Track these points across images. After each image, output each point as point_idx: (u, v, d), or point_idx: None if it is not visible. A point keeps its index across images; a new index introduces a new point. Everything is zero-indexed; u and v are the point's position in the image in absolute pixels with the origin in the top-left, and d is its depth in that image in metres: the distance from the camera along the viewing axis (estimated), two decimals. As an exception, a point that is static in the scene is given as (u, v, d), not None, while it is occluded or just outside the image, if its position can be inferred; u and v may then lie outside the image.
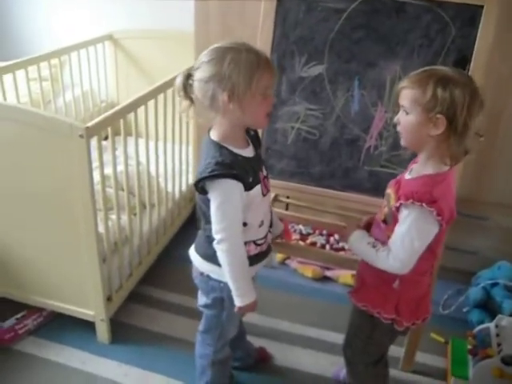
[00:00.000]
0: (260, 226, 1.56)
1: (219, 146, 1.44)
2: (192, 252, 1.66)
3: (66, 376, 2.01)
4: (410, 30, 1.82)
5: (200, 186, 1.43)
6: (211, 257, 1.54)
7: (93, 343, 2.15)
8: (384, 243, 1.47)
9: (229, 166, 1.40)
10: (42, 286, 2.12)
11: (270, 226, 1.65)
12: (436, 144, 1.37)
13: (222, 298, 1.61)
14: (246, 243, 1.51)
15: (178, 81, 1.43)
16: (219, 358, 1.77)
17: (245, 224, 1.49)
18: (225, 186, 1.41)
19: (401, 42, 1.84)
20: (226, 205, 1.42)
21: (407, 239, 1.39)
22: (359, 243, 1.54)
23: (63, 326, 2.21)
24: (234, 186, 1.41)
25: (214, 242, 1.47)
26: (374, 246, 1.49)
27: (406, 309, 1.54)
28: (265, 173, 1.56)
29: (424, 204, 1.34)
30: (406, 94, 1.38)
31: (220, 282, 1.57)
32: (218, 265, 1.51)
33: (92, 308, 2.09)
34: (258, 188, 1.49)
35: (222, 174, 1.39)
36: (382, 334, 1.62)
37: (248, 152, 1.50)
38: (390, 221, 1.46)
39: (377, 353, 1.71)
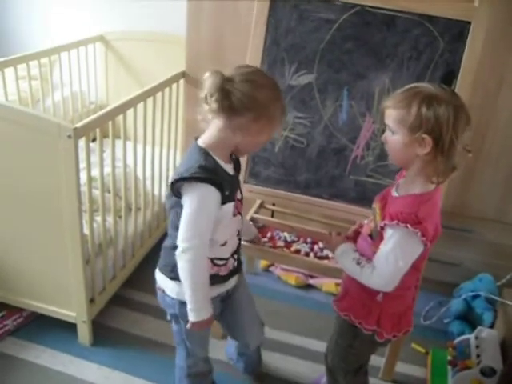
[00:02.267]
0: (222, 245, 1.52)
1: (205, 153, 1.41)
2: (157, 268, 1.63)
3: (46, 378, 1.99)
4: (400, 43, 1.85)
5: (176, 188, 1.40)
6: (165, 268, 1.53)
7: (74, 345, 2.13)
8: (369, 258, 1.48)
9: (211, 172, 1.38)
10: (23, 286, 2.10)
11: (236, 252, 1.61)
12: (423, 163, 1.38)
13: (177, 315, 1.57)
14: None
15: (214, 82, 1.34)
16: (194, 372, 1.76)
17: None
18: (203, 191, 1.37)
19: (390, 54, 1.86)
20: (200, 210, 1.38)
21: (391, 258, 1.39)
22: (344, 258, 1.55)
23: (44, 327, 2.19)
24: (212, 194, 1.38)
25: (178, 251, 1.41)
26: (358, 263, 1.49)
27: (387, 321, 1.55)
28: (239, 196, 1.55)
29: (409, 225, 1.34)
30: (391, 113, 1.38)
31: (172, 298, 1.55)
32: (172, 279, 1.50)
33: (74, 309, 2.08)
34: (230, 206, 1.46)
35: (203, 177, 1.36)
36: (363, 343, 1.63)
37: (229, 168, 1.48)
38: (376, 237, 1.48)
39: (357, 362, 1.72)
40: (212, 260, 1.51)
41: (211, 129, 1.44)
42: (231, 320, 1.77)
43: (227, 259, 1.56)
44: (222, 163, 1.44)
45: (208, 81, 1.36)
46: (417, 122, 1.32)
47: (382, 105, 1.44)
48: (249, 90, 1.35)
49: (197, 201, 1.37)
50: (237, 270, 1.65)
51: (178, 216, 1.42)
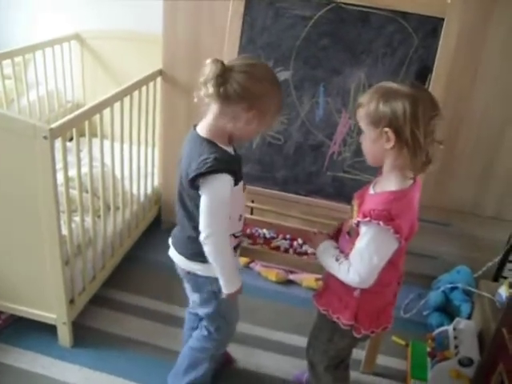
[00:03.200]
0: (239, 219, 1.65)
1: (212, 143, 1.49)
2: (173, 253, 1.70)
3: (26, 381, 1.97)
4: (375, 39, 1.86)
5: (195, 183, 1.47)
6: (196, 256, 1.60)
7: (54, 347, 2.11)
8: (347, 255, 1.49)
9: (226, 162, 1.48)
10: (0, 288, 2.07)
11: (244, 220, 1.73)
12: (394, 157, 1.40)
13: (213, 291, 1.67)
14: None
15: (213, 70, 1.42)
16: (218, 353, 1.87)
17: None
18: (221, 181, 1.46)
19: (365, 50, 1.87)
20: (218, 200, 1.48)
21: (366, 255, 1.41)
22: (324, 255, 1.57)
23: (23, 330, 2.17)
24: (228, 182, 1.48)
25: (202, 237, 1.51)
26: (337, 260, 1.51)
27: (365, 317, 1.57)
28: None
29: (381, 222, 1.36)
30: (359, 113, 1.45)
31: (207, 277, 1.64)
32: (202, 262, 1.58)
33: (54, 311, 2.06)
34: (240, 183, 1.58)
35: (221, 168, 1.45)
36: (342, 338, 1.65)
37: (231, 150, 1.58)
38: (353, 234, 1.50)
39: (337, 356, 1.73)
40: (233, 234, 1.64)
41: (208, 116, 1.52)
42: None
43: (242, 229, 1.71)
44: (227, 149, 1.53)
45: (208, 67, 1.43)
46: (376, 117, 1.38)
47: (355, 106, 1.49)
48: (244, 80, 1.43)
49: (215, 192, 1.47)
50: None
51: (195, 207, 1.53)
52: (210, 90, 1.43)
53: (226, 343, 1.92)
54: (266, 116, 1.51)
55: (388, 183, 1.44)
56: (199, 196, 1.50)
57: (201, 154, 1.47)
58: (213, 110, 1.50)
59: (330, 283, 1.63)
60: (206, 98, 1.47)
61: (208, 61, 1.44)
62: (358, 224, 1.43)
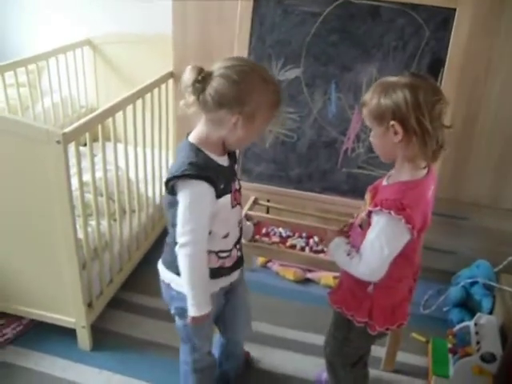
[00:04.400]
0: (224, 237, 1.53)
1: (196, 148, 1.43)
2: (160, 260, 1.63)
3: (46, 384, 1.99)
4: (385, 33, 1.85)
5: (170, 186, 1.42)
6: (171, 264, 1.53)
7: (74, 350, 2.13)
8: (359, 249, 1.47)
9: (202, 168, 1.39)
10: (21, 294, 2.10)
11: (239, 243, 1.62)
12: (404, 149, 1.39)
13: (183, 309, 1.54)
14: (207, 252, 1.49)
15: (189, 77, 1.38)
16: (199, 367, 1.75)
17: (209, 232, 1.46)
18: (196, 188, 1.38)
19: (376, 44, 1.86)
20: (194, 206, 1.40)
21: (377, 246, 1.39)
22: (336, 251, 1.56)
23: (43, 334, 2.19)
24: (206, 189, 1.39)
25: (177, 246, 1.43)
26: (348, 254, 1.50)
27: (379, 314, 1.54)
28: (237, 186, 1.56)
29: (392, 212, 1.34)
30: (364, 113, 1.44)
31: (179, 292, 1.54)
32: (178, 274, 1.49)
33: (72, 315, 2.07)
34: (227, 198, 1.47)
35: (194, 174, 1.37)
36: (358, 336, 1.63)
37: (223, 161, 1.49)
38: (364, 226, 1.48)
39: (354, 354, 1.72)
40: (216, 253, 1.53)
41: (199, 123, 1.46)
42: (230, 315, 1.76)
43: (230, 250, 1.57)
44: (214, 156, 1.45)
45: (184, 75, 1.39)
46: (379, 112, 1.37)
47: (360, 106, 1.48)
48: (220, 85, 1.36)
49: (190, 197, 1.39)
50: (241, 262, 1.66)
51: (175, 214, 1.44)
52: (189, 98, 1.39)
53: (204, 360, 1.76)
54: (255, 119, 1.40)
55: (400, 174, 1.43)
56: (176, 203, 1.42)
57: (181, 158, 1.42)
58: (202, 118, 1.44)
59: (344, 280, 1.62)
60: (186, 107, 1.42)
61: (187, 68, 1.39)
62: (369, 214, 1.42)
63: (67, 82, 3.08)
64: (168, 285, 1.59)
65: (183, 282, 1.46)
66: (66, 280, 1.98)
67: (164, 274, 1.60)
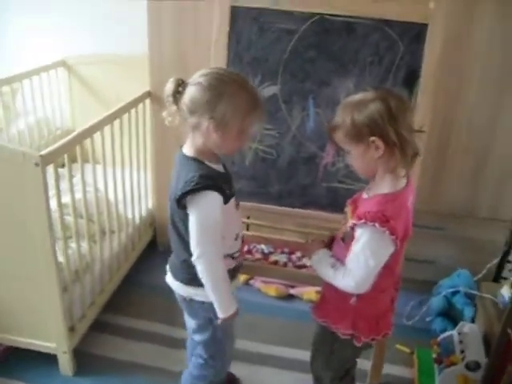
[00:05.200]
0: (235, 239, 1.59)
1: (198, 161, 1.47)
2: (170, 279, 1.67)
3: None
4: (361, 49, 1.88)
5: (182, 202, 1.44)
6: (191, 280, 1.56)
7: (56, 377, 2.08)
8: (343, 261, 1.48)
9: (212, 179, 1.44)
10: (-2, 320, 2.05)
11: (242, 240, 1.69)
12: (386, 162, 1.40)
13: (209, 318, 1.62)
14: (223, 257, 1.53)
15: (169, 88, 1.44)
16: (217, 379, 1.80)
17: (222, 237, 1.51)
18: (208, 198, 1.42)
19: (352, 59, 1.88)
20: (207, 217, 1.44)
21: (362, 258, 1.40)
22: (320, 264, 1.56)
23: (23, 361, 2.12)
24: (216, 199, 1.43)
25: (194, 257, 1.47)
26: (332, 266, 1.50)
27: (364, 325, 1.55)
28: (234, 190, 1.59)
29: (376, 224, 1.35)
30: (337, 137, 1.44)
31: (203, 302, 1.59)
32: (198, 286, 1.53)
33: (53, 340, 2.03)
34: (232, 201, 1.53)
35: (207, 185, 1.41)
36: (343, 349, 1.63)
37: (220, 168, 1.54)
38: (348, 239, 1.48)
39: (341, 368, 1.71)
40: (231, 256, 1.59)
41: (189, 138, 1.50)
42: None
43: (240, 249, 1.66)
44: (213, 166, 1.50)
45: (166, 87, 1.45)
46: (356, 130, 1.37)
47: (328, 133, 1.49)
48: (192, 93, 1.41)
49: (203, 209, 1.43)
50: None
51: (187, 228, 1.47)
52: (171, 108, 1.45)
53: (224, 370, 1.84)
54: (228, 124, 1.41)
55: (381, 187, 1.44)
56: (186, 216, 1.46)
57: (187, 173, 1.44)
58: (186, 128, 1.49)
59: (326, 294, 1.63)
60: (169, 116, 1.47)
61: (170, 79, 1.45)
62: (353, 227, 1.42)
63: (42, 103, 3.04)
64: (191, 299, 1.62)
65: (207, 289, 1.51)
66: (46, 304, 1.94)
67: (186, 290, 1.62)
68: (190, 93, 1.41)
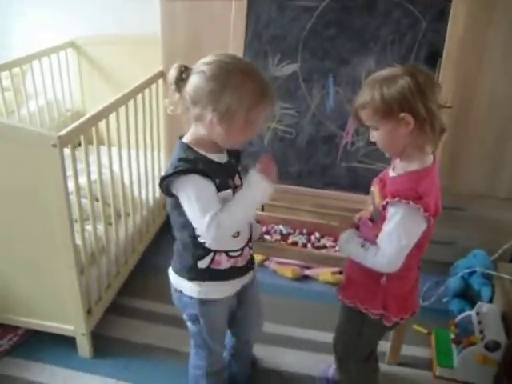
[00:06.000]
0: (235, 236, 1.49)
1: (186, 146, 1.41)
2: (170, 268, 1.61)
3: (48, 395, 1.94)
4: (382, 26, 1.85)
5: (165, 186, 1.39)
6: (180, 271, 1.52)
7: (74, 359, 2.08)
8: (372, 242, 1.46)
9: (193, 162, 1.36)
10: (16, 303, 2.04)
11: (250, 241, 1.59)
12: (415, 139, 1.38)
13: (195, 314, 1.56)
14: (216, 253, 1.47)
15: (171, 75, 1.37)
16: (213, 370, 1.74)
17: None
18: (192, 180, 1.35)
19: (373, 37, 1.86)
20: (199, 195, 1.34)
21: (395, 237, 1.38)
22: (348, 244, 1.54)
23: (42, 344, 2.13)
24: (202, 181, 1.35)
25: (204, 229, 1.34)
26: (362, 246, 1.48)
27: (393, 304, 1.54)
28: (238, 182, 1.50)
29: (410, 201, 1.33)
30: (363, 114, 1.40)
31: (191, 297, 1.53)
32: (188, 279, 1.49)
33: (71, 322, 2.02)
34: (227, 194, 1.42)
35: (186, 169, 1.35)
36: (372, 329, 1.62)
37: (219, 158, 1.45)
38: (377, 219, 1.46)
39: (367, 349, 1.71)
40: (227, 253, 1.50)
41: (191, 127, 1.44)
42: (241, 315, 1.73)
43: (242, 249, 1.54)
44: (207, 153, 1.41)
45: (169, 74, 1.39)
46: (386, 106, 1.34)
47: (352, 109, 1.45)
48: (195, 82, 1.34)
49: (192, 189, 1.35)
50: (253, 262, 1.64)
51: (180, 214, 1.41)
52: (174, 96, 1.38)
53: (216, 363, 1.75)
54: (233, 117, 1.33)
55: (410, 164, 1.42)
56: (178, 204, 1.39)
57: (172, 158, 1.40)
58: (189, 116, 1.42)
59: (354, 275, 1.61)
60: (172, 105, 1.40)
61: (173, 66, 1.38)
62: (385, 206, 1.40)
63: (52, 85, 3.01)
64: (180, 292, 1.57)
65: (239, 215, 1.39)
66: (64, 286, 1.93)
67: (175, 280, 1.58)
68: (193, 82, 1.34)
